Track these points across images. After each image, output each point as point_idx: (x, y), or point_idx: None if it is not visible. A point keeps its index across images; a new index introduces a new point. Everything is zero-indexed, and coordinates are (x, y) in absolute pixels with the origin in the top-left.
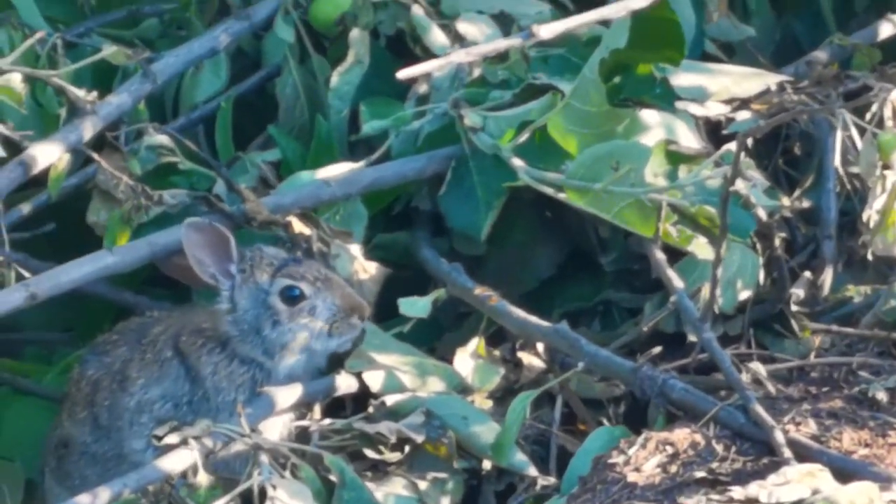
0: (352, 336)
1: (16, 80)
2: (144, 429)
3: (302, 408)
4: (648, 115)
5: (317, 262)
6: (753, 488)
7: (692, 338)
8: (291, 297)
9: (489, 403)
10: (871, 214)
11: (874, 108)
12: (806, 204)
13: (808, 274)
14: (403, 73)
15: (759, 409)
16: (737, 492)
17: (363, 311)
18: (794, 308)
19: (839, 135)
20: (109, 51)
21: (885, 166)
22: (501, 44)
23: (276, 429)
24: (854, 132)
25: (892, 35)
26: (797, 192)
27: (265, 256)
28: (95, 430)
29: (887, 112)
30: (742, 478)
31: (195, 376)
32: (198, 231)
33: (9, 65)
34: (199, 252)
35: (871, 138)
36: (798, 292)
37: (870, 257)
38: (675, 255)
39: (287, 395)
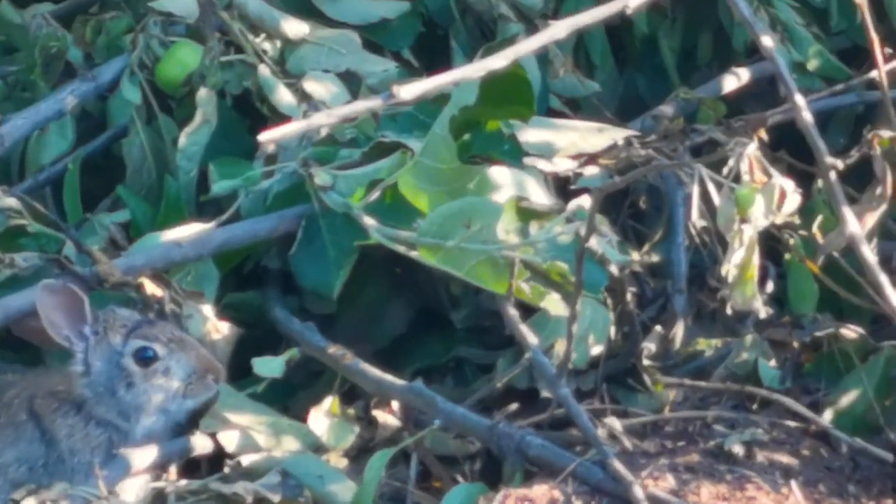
0: (207, 396)
1: None
2: (0, 492)
3: (158, 469)
4: (498, 172)
5: (170, 324)
6: None
7: (546, 393)
8: (145, 358)
9: (344, 462)
10: (729, 269)
11: (731, 162)
12: (655, 258)
13: (659, 328)
14: (265, 137)
15: (618, 465)
16: None
17: (218, 373)
18: (646, 362)
19: (695, 189)
20: None
21: (743, 220)
22: (361, 105)
23: (133, 490)
24: (709, 186)
25: (736, 88)
26: (646, 247)
27: (118, 318)
28: None
29: (744, 167)
30: None
31: (50, 439)
32: (52, 293)
33: None
34: (52, 314)
35: (729, 193)
36: (650, 346)
37: (728, 311)
38: (528, 310)
39: (143, 456)
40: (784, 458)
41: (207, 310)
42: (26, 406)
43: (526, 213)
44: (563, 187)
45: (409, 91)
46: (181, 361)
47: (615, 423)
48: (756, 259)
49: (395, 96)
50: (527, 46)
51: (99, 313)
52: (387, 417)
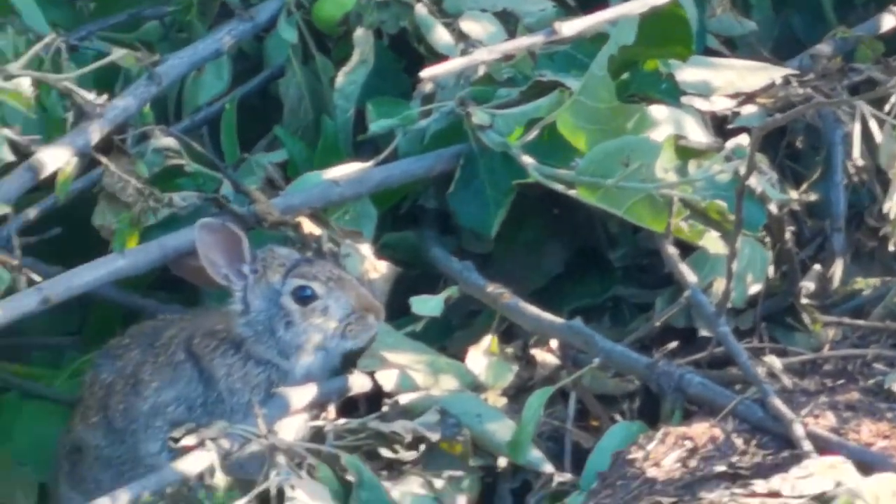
0: (366, 336)
1: (24, 84)
2: (159, 432)
3: (316, 408)
4: (657, 111)
5: (329, 263)
6: (776, 481)
7: (704, 332)
8: (304, 297)
9: (503, 401)
10: (892, 206)
11: (893, 99)
12: (813, 197)
13: (817, 267)
14: (426, 73)
15: (778, 403)
16: (759, 485)
17: (378, 312)
18: (804, 301)
19: (856, 127)
20: (119, 54)
21: None
22: (524, 41)
23: (291, 429)
24: (870, 124)
25: (894, 27)
26: (804, 186)
27: (277, 257)
28: (109, 433)
29: None
30: (762, 471)
31: (209, 378)
32: (211, 232)
33: (17, 69)
34: (211, 253)
35: (891, 130)
36: (808, 285)
37: (891, 248)
38: (686, 249)
39: (302, 395)
40: None
41: (365, 249)
42: (184, 346)
43: (684, 152)
44: (721, 126)
45: (571, 27)
46: (340, 300)
47: (774, 362)
48: None
49: (556, 33)
50: None
51: (257, 252)
52: (545, 356)
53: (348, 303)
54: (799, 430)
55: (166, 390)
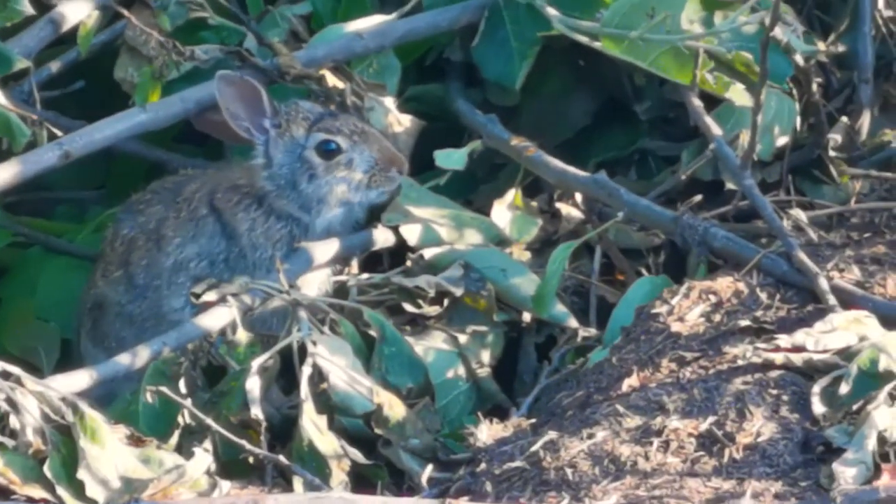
0: (391, 188)
1: None
2: (182, 288)
3: (339, 263)
4: None
5: (353, 116)
6: (800, 336)
7: (730, 185)
8: (328, 150)
9: (527, 255)
10: None
11: None
12: (841, 48)
13: (845, 119)
14: None
15: (803, 256)
16: (783, 339)
17: (401, 164)
18: (831, 153)
19: None
20: None
21: None
22: None
23: (314, 284)
24: None
25: None
26: (832, 37)
27: (300, 111)
28: (131, 289)
29: None
30: (787, 325)
31: (231, 233)
32: (230, 84)
33: None
34: (232, 105)
35: None
36: (835, 137)
37: None
38: (712, 102)
39: (324, 250)
40: None
41: (389, 102)
42: (207, 200)
43: (710, 3)
44: None
45: None
46: (364, 154)
47: (800, 215)
48: None
49: None
50: None
51: (280, 106)
52: (570, 210)
53: (372, 156)
54: (823, 283)
55: (189, 245)
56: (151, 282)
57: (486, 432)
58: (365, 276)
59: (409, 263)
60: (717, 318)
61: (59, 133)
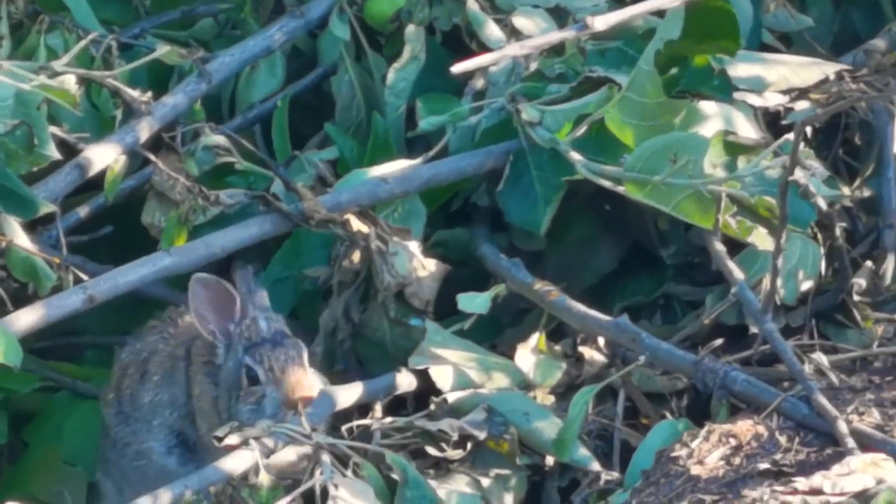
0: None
1: (70, 81)
2: (160, 433)
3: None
4: (706, 106)
5: (295, 348)
6: (817, 479)
7: (754, 329)
8: (251, 377)
9: (551, 399)
10: None
11: None
12: (867, 193)
13: (869, 263)
14: (458, 68)
15: (822, 400)
16: (801, 483)
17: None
18: (856, 298)
19: None
20: (163, 50)
21: None
22: (555, 36)
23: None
24: None
25: None
26: (857, 182)
27: (253, 328)
28: (119, 413)
29: None
30: (806, 469)
31: (190, 391)
32: (205, 287)
33: (63, 66)
34: (202, 307)
35: None
36: (860, 282)
37: None
38: (736, 246)
39: (348, 394)
40: None
41: (414, 247)
42: (188, 344)
43: (733, 148)
44: (775, 122)
45: (603, 21)
46: (272, 395)
47: (822, 359)
48: None
49: (589, 27)
50: None
51: (249, 314)
52: (594, 354)
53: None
54: (842, 427)
55: (163, 389)
56: (134, 412)
57: None
58: (388, 419)
59: (432, 407)
60: (736, 460)
61: (85, 277)
